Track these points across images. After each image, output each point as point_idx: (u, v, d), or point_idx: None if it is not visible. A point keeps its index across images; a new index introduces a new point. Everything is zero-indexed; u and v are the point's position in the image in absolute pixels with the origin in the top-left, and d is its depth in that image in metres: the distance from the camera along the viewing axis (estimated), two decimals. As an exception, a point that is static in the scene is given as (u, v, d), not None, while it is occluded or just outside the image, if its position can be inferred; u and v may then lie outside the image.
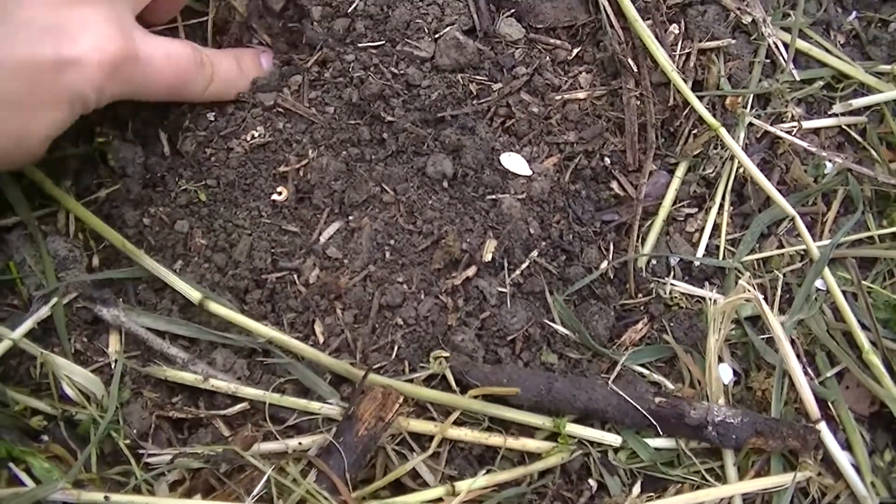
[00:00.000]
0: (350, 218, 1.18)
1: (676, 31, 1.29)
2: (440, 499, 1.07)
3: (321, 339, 1.14)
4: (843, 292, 1.21)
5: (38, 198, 1.18)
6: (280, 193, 1.19)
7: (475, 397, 1.10)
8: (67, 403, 1.09)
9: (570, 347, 1.17)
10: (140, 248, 1.16)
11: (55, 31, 0.97)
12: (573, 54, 1.30)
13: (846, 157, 1.27)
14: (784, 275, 1.23)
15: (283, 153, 1.20)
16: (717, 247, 1.25)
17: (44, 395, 1.10)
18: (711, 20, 1.29)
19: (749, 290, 1.11)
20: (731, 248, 1.25)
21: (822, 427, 1.14)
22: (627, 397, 1.11)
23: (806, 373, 1.18)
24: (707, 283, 1.23)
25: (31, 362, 1.10)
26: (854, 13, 1.39)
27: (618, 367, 1.14)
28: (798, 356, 1.18)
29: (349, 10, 1.25)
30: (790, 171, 1.27)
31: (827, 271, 1.21)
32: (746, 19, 1.30)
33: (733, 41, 1.29)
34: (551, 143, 1.25)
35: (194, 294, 1.12)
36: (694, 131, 1.27)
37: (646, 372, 1.18)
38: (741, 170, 1.25)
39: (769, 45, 1.30)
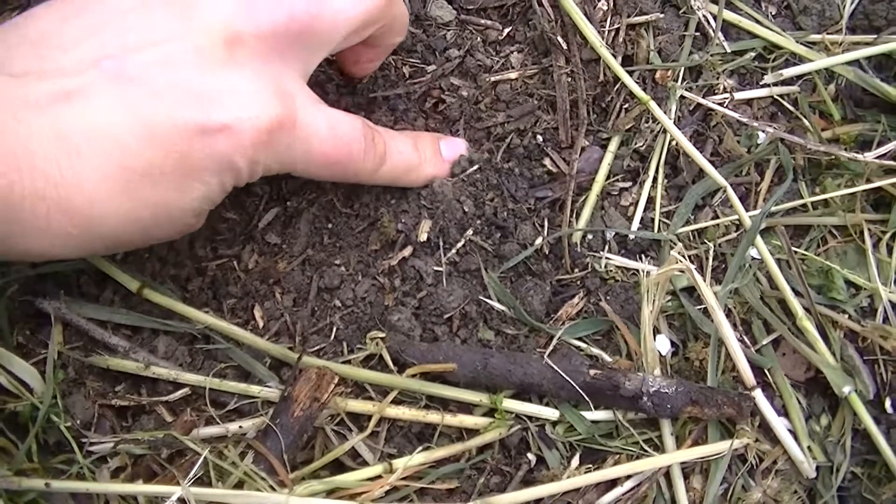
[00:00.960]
0: (288, 203, 1.20)
1: (605, 8, 1.29)
2: (378, 476, 1.09)
3: (261, 324, 1.16)
4: (778, 260, 1.22)
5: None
6: (218, 182, 1.19)
7: (412, 376, 1.12)
8: (6, 395, 1.11)
9: (507, 324, 1.18)
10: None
11: (204, 95, 0.89)
12: (504, 34, 1.31)
13: (778, 127, 1.28)
14: (719, 245, 1.24)
15: (221, 141, 1.21)
16: (652, 220, 1.26)
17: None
18: (639, -6, 1.31)
19: (681, 261, 1.13)
20: (666, 221, 1.26)
21: (759, 394, 1.15)
22: (561, 371, 1.12)
23: (742, 341, 1.19)
24: (643, 256, 1.24)
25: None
26: (786, -17, 1.40)
27: (553, 341, 1.16)
28: (735, 325, 1.20)
29: (284, -2, 1.26)
30: (723, 142, 1.28)
31: (759, 240, 1.22)
32: (674, -7, 1.31)
33: (662, 15, 1.30)
34: (483, 126, 1.26)
35: (132, 283, 1.14)
36: (625, 106, 1.28)
37: (583, 346, 1.19)
38: (674, 143, 1.26)
39: (699, 19, 1.31)
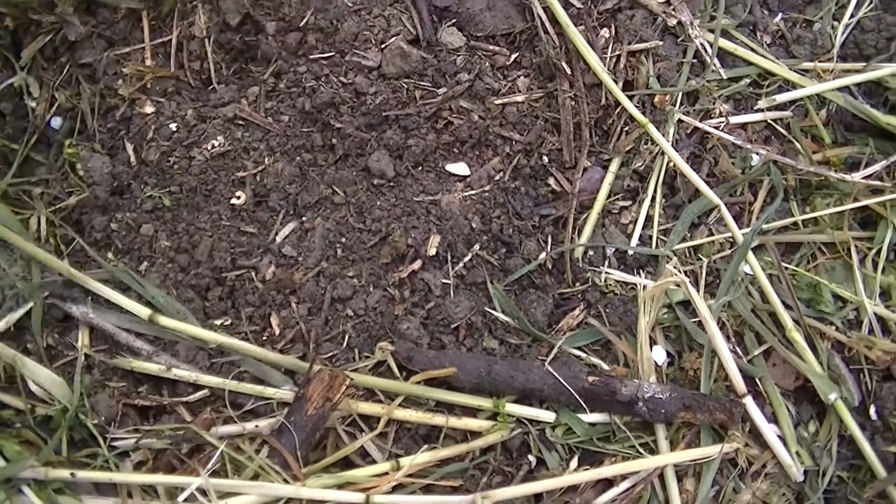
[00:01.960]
0: (304, 218, 1.27)
1: (607, 35, 1.36)
2: (386, 473, 1.14)
3: (277, 332, 1.22)
4: (769, 275, 1.27)
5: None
6: (239, 197, 1.27)
7: (418, 382, 1.18)
8: (35, 399, 1.18)
9: (511, 334, 1.24)
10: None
11: None
12: (511, 60, 1.37)
13: (771, 150, 1.34)
14: (714, 261, 1.30)
15: (242, 160, 1.28)
16: (651, 237, 1.31)
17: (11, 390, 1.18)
18: (640, 24, 1.36)
19: (676, 274, 1.19)
20: (664, 238, 1.32)
21: (749, 401, 1.20)
22: (561, 377, 1.18)
23: (734, 351, 1.24)
24: (641, 272, 1.30)
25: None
26: (780, 14, 1.45)
27: (554, 350, 1.22)
28: (728, 337, 1.25)
29: (301, 24, 1.32)
30: (719, 163, 1.34)
31: (751, 255, 1.27)
32: (672, 22, 1.37)
33: (661, 43, 1.36)
34: (492, 144, 1.32)
35: (143, 311, 1.20)
36: (626, 129, 1.34)
37: (583, 355, 1.25)
38: (671, 164, 1.32)
39: (697, 47, 1.37)
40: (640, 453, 1.20)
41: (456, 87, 1.32)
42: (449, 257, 1.25)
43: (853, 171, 1.32)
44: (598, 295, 1.28)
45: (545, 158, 1.34)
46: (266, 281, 1.24)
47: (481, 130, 1.31)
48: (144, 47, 1.36)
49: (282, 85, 1.32)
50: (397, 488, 1.15)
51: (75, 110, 1.34)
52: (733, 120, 1.36)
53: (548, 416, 1.20)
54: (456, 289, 1.24)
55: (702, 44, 1.38)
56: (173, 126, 1.30)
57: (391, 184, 1.28)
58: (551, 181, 1.34)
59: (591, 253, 1.31)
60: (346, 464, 1.17)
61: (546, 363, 1.20)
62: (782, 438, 1.21)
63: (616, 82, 1.33)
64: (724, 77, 1.38)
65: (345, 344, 1.21)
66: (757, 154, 1.34)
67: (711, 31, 1.39)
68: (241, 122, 1.30)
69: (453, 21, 1.37)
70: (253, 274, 1.25)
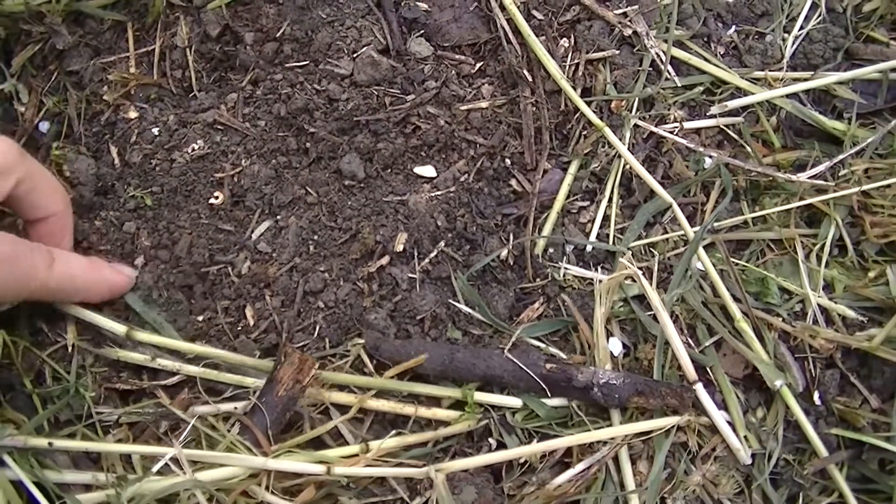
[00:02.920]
0: (278, 217, 1.33)
1: (567, 45, 1.43)
2: (355, 455, 1.20)
3: (252, 322, 1.28)
4: (720, 271, 1.33)
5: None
6: (217, 197, 1.32)
7: (392, 377, 1.23)
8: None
9: (474, 325, 1.30)
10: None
11: None
12: (476, 68, 1.43)
13: (724, 153, 1.40)
14: (668, 258, 1.36)
15: (220, 162, 1.34)
16: (608, 235, 1.38)
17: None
18: (597, 34, 1.43)
19: (629, 267, 1.25)
20: (620, 236, 1.38)
21: (700, 389, 1.26)
22: (521, 363, 1.24)
23: (686, 342, 1.30)
24: (599, 268, 1.36)
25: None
26: (733, 27, 1.52)
27: (513, 338, 1.27)
28: (681, 329, 1.31)
29: (278, 35, 1.38)
30: (673, 166, 1.40)
31: (702, 251, 1.33)
32: (628, 32, 1.44)
33: (618, 52, 1.43)
34: (457, 148, 1.38)
35: (119, 328, 1.23)
36: (584, 133, 1.41)
37: (542, 345, 1.30)
38: (628, 166, 1.38)
39: (652, 56, 1.44)
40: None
41: (424, 94, 1.37)
42: (415, 253, 1.30)
43: (800, 173, 1.39)
44: (558, 289, 1.33)
45: (508, 161, 1.39)
46: (242, 275, 1.29)
47: (447, 135, 1.36)
48: (129, 56, 1.41)
49: (259, 92, 1.37)
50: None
51: (62, 115, 1.39)
52: (687, 125, 1.42)
53: (514, 402, 1.25)
54: (422, 283, 1.29)
55: (657, 53, 1.44)
56: (156, 130, 1.35)
57: (361, 185, 1.33)
58: (513, 182, 1.40)
59: (550, 250, 1.36)
60: (318, 445, 1.22)
61: (506, 350, 1.25)
62: (731, 424, 1.26)
63: (575, 89, 1.40)
64: (679, 84, 1.44)
65: (316, 334, 1.26)
66: (709, 157, 1.40)
67: (666, 41, 1.45)
68: (220, 126, 1.35)
69: (422, 32, 1.43)
70: (230, 269, 1.30)
